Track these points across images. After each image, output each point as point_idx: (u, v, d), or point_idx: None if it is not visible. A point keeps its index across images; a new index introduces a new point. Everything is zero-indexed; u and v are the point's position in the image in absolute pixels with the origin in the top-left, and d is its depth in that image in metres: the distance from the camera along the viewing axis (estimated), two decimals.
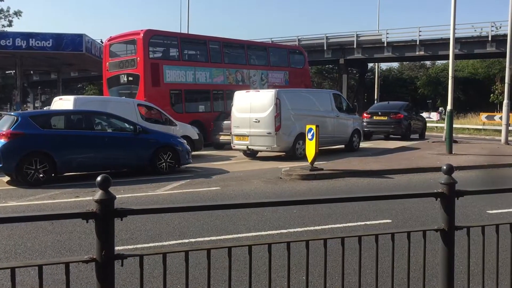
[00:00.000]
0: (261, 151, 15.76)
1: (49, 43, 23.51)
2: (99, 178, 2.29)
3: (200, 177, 11.82)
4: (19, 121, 10.83)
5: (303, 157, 13.50)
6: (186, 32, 22.74)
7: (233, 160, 15.63)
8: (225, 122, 18.38)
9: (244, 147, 15.67)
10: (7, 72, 47.27)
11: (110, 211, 2.27)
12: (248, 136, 15.35)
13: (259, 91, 17.27)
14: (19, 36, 23.41)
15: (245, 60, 23.89)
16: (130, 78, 20.24)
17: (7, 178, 11.27)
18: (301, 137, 14.50)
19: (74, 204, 8.49)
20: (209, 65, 22.12)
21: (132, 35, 20.56)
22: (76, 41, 23.92)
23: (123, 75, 20.63)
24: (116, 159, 11.97)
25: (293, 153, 15.29)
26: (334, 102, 17.62)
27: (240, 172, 12.60)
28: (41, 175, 10.55)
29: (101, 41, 30.41)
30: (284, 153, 15.63)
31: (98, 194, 2.26)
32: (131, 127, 12.21)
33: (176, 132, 14.97)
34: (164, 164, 12.26)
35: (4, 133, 10.56)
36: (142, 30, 20.07)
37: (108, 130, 12.20)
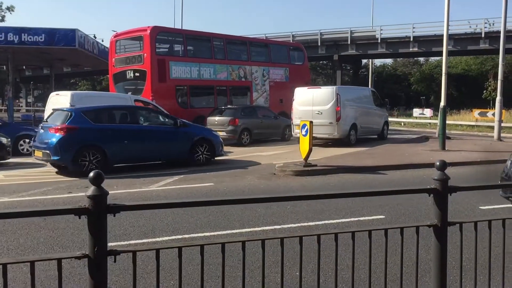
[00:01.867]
0: (323, 138, 18.36)
1: (41, 38, 23.31)
2: (91, 174, 2.27)
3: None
4: (73, 116, 11.55)
5: (355, 144, 18.07)
6: (190, 29, 22.94)
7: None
8: (208, 118, 18.96)
9: None
10: None
11: (102, 207, 2.25)
12: None
13: (320, 87, 20.23)
14: (11, 31, 23.19)
15: (248, 56, 24.21)
16: (137, 74, 20.49)
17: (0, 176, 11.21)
18: (354, 126, 18.54)
19: (67, 199, 8.45)
20: (213, 61, 22.49)
21: (138, 32, 20.86)
22: (68, 36, 23.73)
23: (129, 71, 20.88)
24: (159, 151, 12.59)
25: (348, 139, 18.23)
26: (373, 97, 20.73)
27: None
28: (94, 167, 10.97)
29: (94, 36, 30.24)
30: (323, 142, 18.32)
31: (90, 190, 2.25)
32: (172, 121, 12.95)
33: None
34: (201, 156, 12.99)
35: (60, 127, 11.33)
36: (148, 27, 20.30)
37: (151, 124, 12.90)
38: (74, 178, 10.79)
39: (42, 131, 11.92)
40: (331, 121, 17.85)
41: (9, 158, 13.41)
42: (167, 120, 13.11)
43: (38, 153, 11.68)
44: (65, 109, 12.64)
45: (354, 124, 18.60)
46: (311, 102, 18.29)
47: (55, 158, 11.24)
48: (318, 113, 17.91)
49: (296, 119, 18.15)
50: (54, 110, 12.84)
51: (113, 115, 12.73)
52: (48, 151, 11.26)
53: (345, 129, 18.19)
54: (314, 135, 17.23)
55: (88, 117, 11.77)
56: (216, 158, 13.42)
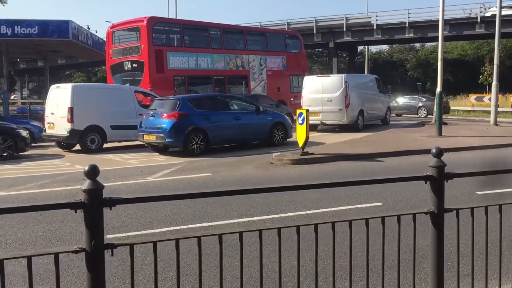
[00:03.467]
0: (332, 124, 19.77)
1: (35, 30, 23.09)
2: (86, 168, 2.26)
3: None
4: (181, 104, 13.31)
5: (363, 129, 19.20)
6: (187, 19, 22.91)
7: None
8: None
9: (318, 122, 19.18)
10: None
11: (98, 201, 2.24)
12: (320, 112, 18.97)
13: (329, 75, 21.54)
14: (4, 23, 22.96)
15: (244, 45, 24.16)
16: (134, 65, 20.44)
17: None
18: (361, 112, 19.61)
19: (64, 193, 8.44)
20: (210, 51, 22.42)
21: (135, 22, 20.75)
22: (62, 27, 23.51)
23: (127, 62, 20.80)
24: (248, 133, 14.46)
25: (356, 125, 19.25)
26: (377, 84, 21.81)
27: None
28: (199, 148, 13.02)
29: (88, 28, 29.98)
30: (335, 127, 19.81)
31: (86, 183, 2.24)
32: (254, 107, 14.73)
33: None
34: (278, 137, 14.87)
35: (172, 114, 13.06)
36: (145, 17, 20.20)
37: (240, 110, 14.64)
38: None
39: (151, 117, 13.51)
40: (340, 107, 18.82)
41: (28, 150, 13.80)
42: (251, 106, 14.85)
43: (150, 137, 13.36)
44: (171, 98, 14.34)
45: (361, 110, 19.61)
46: (320, 90, 19.20)
47: (169, 140, 12.99)
48: (327, 101, 18.95)
49: (305, 106, 18.71)
50: (157, 99, 14.72)
51: (211, 102, 14.58)
52: (162, 135, 12.93)
53: (353, 115, 19.15)
54: (323, 121, 19.40)
55: (193, 104, 13.57)
56: (287, 140, 15.17)
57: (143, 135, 13.64)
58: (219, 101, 15.01)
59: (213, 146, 13.71)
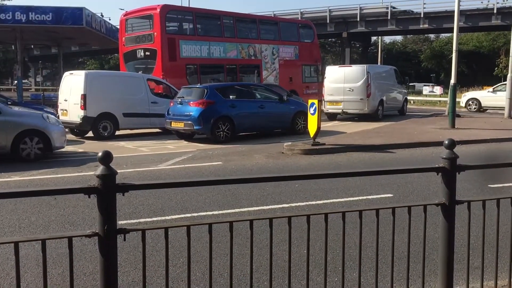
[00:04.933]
0: (353, 113, 20.23)
1: (49, 17, 23.21)
2: (100, 154, 2.29)
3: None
4: (208, 92, 13.73)
5: (382, 118, 19.78)
6: (200, 7, 22.85)
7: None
8: None
9: (339, 111, 20.05)
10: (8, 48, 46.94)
11: (112, 186, 2.27)
12: (341, 102, 19.68)
13: (351, 66, 22.03)
14: (19, 10, 23.09)
15: (257, 35, 24.08)
16: (147, 53, 20.50)
17: None
18: (381, 102, 20.23)
19: (77, 179, 8.54)
20: (223, 39, 22.36)
21: (148, 10, 20.76)
22: (76, 14, 23.60)
23: (139, 50, 20.87)
24: (271, 122, 14.67)
25: (376, 114, 19.79)
26: (395, 75, 22.29)
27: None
28: (226, 135, 13.43)
29: (102, 15, 30.06)
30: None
31: (99, 169, 2.27)
32: (277, 97, 14.98)
33: None
34: (300, 126, 15.06)
35: (201, 102, 13.45)
36: (158, 5, 20.21)
37: (265, 99, 14.90)
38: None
39: (179, 105, 13.89)
40: (362, 97, 19.34)
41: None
42: (275, 96, 15.11)
43: (178, 124, 13.76)
44: (199, 86, 14.71)
45: (381, 100, 20.23)
46: (342, 80, 19.74)
47: (197, 127, 13.40)
48: (349, 90, 19.46)
49: (327, 96, 20.05)
50: (185, 87, 15.04)
51: (236, 91, 14.78)
52: (190, 122, 13.33)
53: (374, 104, 19.70)
54: (345, 110, 20.04)
55: (219, 92, 13.96)
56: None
57: (170, 122, 14.02)
58: (244, 90, 15.33)
59: (238, 134, 14.11)
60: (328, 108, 20.14)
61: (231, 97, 14.11)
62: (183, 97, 14.33)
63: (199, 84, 15.22)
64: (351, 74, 19.86)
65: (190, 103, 13.67)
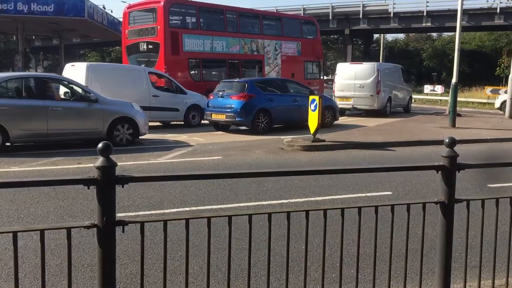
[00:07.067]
0: (363, 109, 20.87)
1: (50, 8, 23.19)
2: (100, 145, 2.28)
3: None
4: (249, 86, 14.50)
5: (390, 115, 20.59)
6: (203, 1, 22.79)
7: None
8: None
9: (349, 107, 20.59)
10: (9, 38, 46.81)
11: (111, 178, 2.27)
12: (351, 98, 20.36)
13: (362, 63, 22.23)
14: (21, 0, 23.07)
15: (260, 30, 24.05)
16: (150, 46, 20.51)
17: None
18: (389, 99, 21.01)
19: (76, 170, 8.54)
20: (225, 34, 22.40)
21: (152, 3, 20.79)
22: (78, 6, 23.60)
23: (142, 43, 20.89)
24: (303, 114, 14.35)
25: (384, 111, 20.54)
26: (402, 74, 23.14)
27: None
28: (264, 127, 14.27)
29: (103, 7, 29.97)
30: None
31: (99, 161, 2.27)
32: (308, 91, 15.39)
33: (186, 101, 16.00)
34: (328, 119, 15.81)
35: (242, 95, 14.19)
36: None
37: (296, 93, 15.63)
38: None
39: (220, 98, 14.57)
40: (372, 93, 20.07)
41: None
42: (305, 90, 15.79)
43: (219, 116, 14.42)
44: (239, 80, 15.62)
45: (389, 97, 21.03)
46: (353, 76, 20.43)
47: (239, 119, 14.14)
48: (360, 87, 20.16)
49: (338, 92, 20.77)
50: (224, 81, 15.92)
51: (273, 85, 15.73)
52: (232, 114, 14.04)
53: (383, 101, 20.45)
54: (355, 106, 20.66)
55: (258, 87, 14.73)
56: (334, 122, 16.48)
57: (211, 114, 14.67)
58: (279, 84, 16.16)
59: (274, 125, 14.83)
60: (339, 103, 20.28)
61: (268, 91, 14.95)
62: (223, 90, 14.93)
63: (238, 79, 16.03)
64: (362, 71, 20.48)
65: (232, 96, 14.33)
